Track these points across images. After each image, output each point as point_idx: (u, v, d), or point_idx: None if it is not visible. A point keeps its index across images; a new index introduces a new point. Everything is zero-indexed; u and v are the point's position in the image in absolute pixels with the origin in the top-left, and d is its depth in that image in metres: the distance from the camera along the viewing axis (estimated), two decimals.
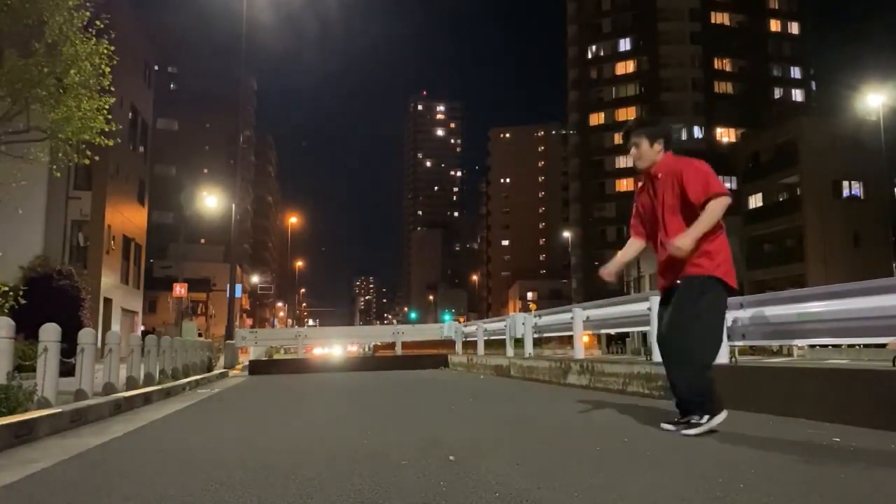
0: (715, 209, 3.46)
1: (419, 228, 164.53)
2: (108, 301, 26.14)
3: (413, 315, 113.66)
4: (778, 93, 69.60)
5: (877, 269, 29.99)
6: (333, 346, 25.93)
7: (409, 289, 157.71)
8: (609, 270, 4.00)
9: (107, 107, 9.90)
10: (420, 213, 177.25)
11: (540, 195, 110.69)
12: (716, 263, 3.55)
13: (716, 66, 69.42)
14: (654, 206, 3.72)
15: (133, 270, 30.43)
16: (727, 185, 63.69)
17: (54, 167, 10.65)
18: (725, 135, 68.22)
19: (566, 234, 75.05)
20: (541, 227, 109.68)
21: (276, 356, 20.64)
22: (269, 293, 79.88)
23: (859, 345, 18.18)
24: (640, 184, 3.90)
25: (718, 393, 3.57)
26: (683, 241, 3.46)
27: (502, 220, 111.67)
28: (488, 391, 7.89)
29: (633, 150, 3.72)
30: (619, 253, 4.02)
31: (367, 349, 32.97)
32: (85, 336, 5.85)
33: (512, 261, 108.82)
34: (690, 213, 3.54)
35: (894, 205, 38.70)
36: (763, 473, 2.54)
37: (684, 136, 69.54)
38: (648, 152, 3.66)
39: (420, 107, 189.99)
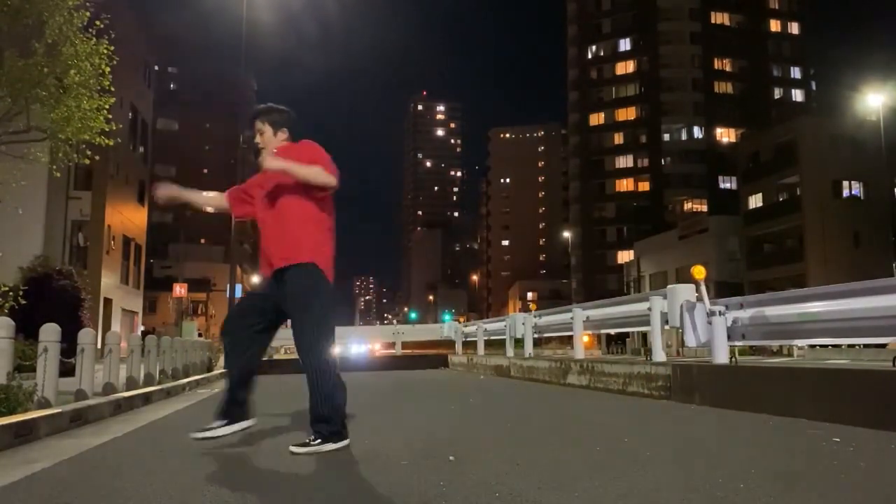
0: (316, 171, 3.38)
1: (419, 228, 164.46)
2: (108, 301, 26.14)
3: (413, 315, 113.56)
4: (778, 93, 69.55)
5: (877, 269, 29.97)
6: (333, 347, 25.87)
7: (409, 289, 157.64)
8: (163, 191, 3.73)
9: (107, 107, 9.90)
10: (420, 213, 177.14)
11: (540, 195, 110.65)
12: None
13: (716, 66, 69.38)
14: (269, 188, 3.53)
15: (133, 270, 30.44)
16: (727, 185, 63.86)
17: (54, 167, 10.65)
18: (725, 135, 68.19)
19: (566, 234, 75.02)
20: (541, 227, 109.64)
21: (276, 356, 20.62)
22: None
23: (859, 345, 18.16)
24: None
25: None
26: (275, 161, 3.40)
27: (502, 220, 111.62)
28: (488, 391, 7.89)
29: (257, 137, 3.65)
30: (202, 196, 3.82)
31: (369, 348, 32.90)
32: (85, 336, 5.84)
33: (512, 261, 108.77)
34: (303, 196, 3.44)
35: (894, 205, 38.69)
36: (763, 473, 2.54)
37: (684, 136, 69.57)
38: (272, 140, 3.63)
39: (420, 107, 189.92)
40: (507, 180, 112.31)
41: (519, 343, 12.20)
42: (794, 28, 71.11)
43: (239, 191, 3.80)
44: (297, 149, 3.59)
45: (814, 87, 71.22)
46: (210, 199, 3.92)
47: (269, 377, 12.95)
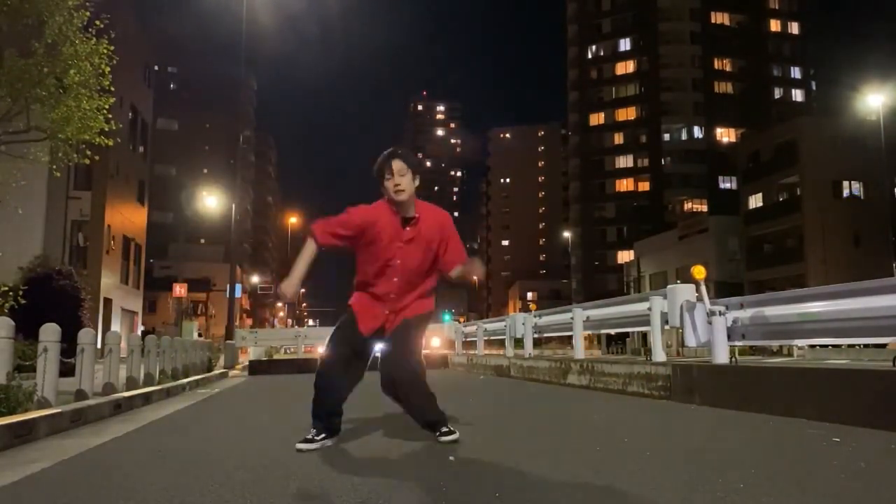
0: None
1: None
2: (108, 301, 26.14)
3: None
4: (778, 93, 69.55)
5: (877, 269, 29.97)
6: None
7: None
8: (291, 289, 3.47)
9: (107, 107, 9.90)
10: None
11: (540, 195, 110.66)
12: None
13: (716, 66, 69.38)
14: (401, 242, 3.44)
15: (133, 270, 30.44)
16: (727, 185, 63.88)
17: (54, 167, 10.65)
18: (725, 135, 68.20)
19: (566, 234, 75.05)
20: (541, 227, 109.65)
21: (276, 356, 20.64)
22: (269, 293, 79.81)
23: (859, 345, 18.14)
24: (381, 207, 3.49)
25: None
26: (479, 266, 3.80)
27: (502, 220, 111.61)
28: (488, 391, 7.89)
29: (395, 179, 3.35)
30: (300, 263, 3.49)
31: None
32: (85, 336, 5.84)
33: (512, 261, 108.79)
34: (429, 265, 3.58)
35: (894, 205, 38.68)
36: (763, 473, 2.54)
37: (684, 136, 69.58)
38: (411, 186, 3.44)
39: (420, 107, 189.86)
40: (507, 180, 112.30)
41: (519, 343, 12.20)
42: (794, 28, 71.11)
43: (332, 226, 3.50)
44: (435, 212, 3.64)
45: (814, 87, 71.21)
46: (310, 260, 3.56)
47: (271, 377, 12.96)
